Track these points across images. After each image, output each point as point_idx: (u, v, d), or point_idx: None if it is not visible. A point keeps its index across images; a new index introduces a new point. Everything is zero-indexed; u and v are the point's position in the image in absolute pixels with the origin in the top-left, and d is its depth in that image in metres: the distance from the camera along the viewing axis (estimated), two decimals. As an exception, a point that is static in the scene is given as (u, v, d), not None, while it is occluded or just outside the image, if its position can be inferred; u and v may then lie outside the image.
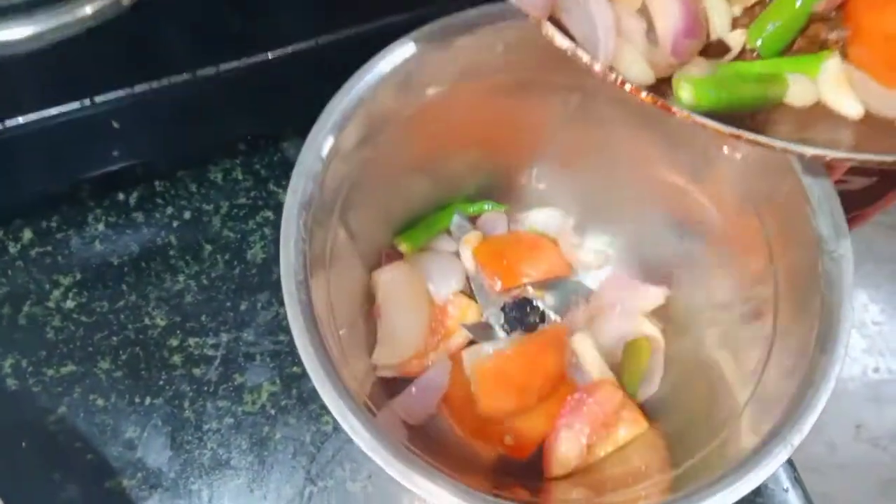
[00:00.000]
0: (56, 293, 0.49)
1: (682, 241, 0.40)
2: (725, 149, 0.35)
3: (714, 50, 0.28)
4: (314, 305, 0.30)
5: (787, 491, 0.44)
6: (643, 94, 0.26)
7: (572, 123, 0.38)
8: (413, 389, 0.39)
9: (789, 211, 0.32)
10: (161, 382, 0.48)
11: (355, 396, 0.30)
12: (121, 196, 0.52)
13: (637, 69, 0.26)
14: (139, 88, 0.40)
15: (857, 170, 0.57)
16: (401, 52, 0.32)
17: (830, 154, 0.24)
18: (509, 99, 0.36)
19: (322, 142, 0.31)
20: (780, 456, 0.28)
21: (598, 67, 0.25)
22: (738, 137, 0.25)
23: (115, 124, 0.43)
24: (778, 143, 0.25)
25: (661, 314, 0.41)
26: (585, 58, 0.25)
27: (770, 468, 0.27)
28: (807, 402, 0.28)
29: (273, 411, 0.48)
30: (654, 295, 0.40)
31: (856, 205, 0.61)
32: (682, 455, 0.32)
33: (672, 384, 0.39)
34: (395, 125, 0.34)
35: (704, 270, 0.39)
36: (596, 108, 0.37)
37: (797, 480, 0.44)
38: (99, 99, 0.40)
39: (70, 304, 0.49)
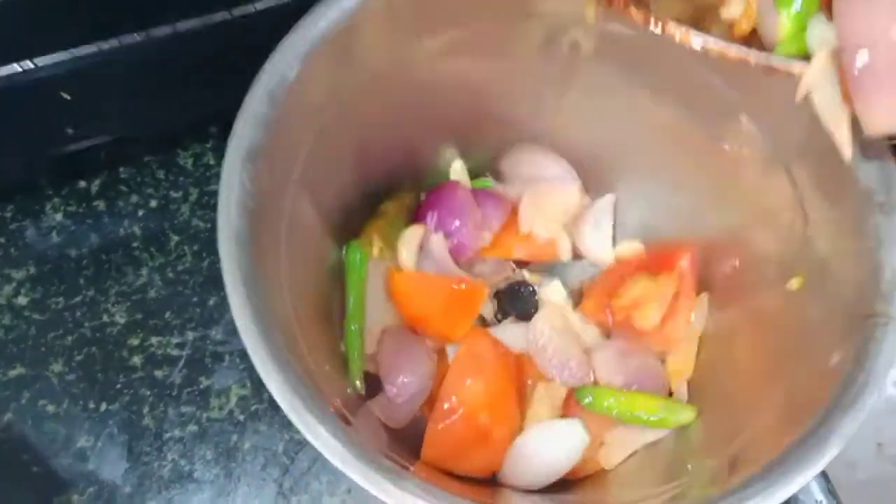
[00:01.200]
0: (7, 288, 0.45)
1: (709, 210, 0.34)
2: (746, 104, 0.30)
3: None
4: (267, 285, 0.25)
5: (819, 503, 0.38)
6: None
7: (566, 90, 0.33)
8: (393, 389, 0.33)
9: (827, 164, 0.27)
10: (119, 386, 0.43)
11: (323, 400, 0.25)
12: (82, 183, 0.47)
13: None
14: (85, 50, 0.35)
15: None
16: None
17: None
18: (481, 61, 0.31)
19: (273, 82, 0.26)
20: (826, 452, 0.22)
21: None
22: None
23: (66, 95, 0.38)
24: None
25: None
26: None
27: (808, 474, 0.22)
28: (858, 388, 0.23)
29: (242, 417, 0.43)
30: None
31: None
32: (718, 445, 0.27)
33: (707, 363, 0.33)
34: (358, 81, 0.29)
35: (734, 239, 0.33)
36: (590, 70, 0.32)
37: (831, 493, 0.38)
38: (41, 62, 0.35)
39: (22, 300, 0.44)
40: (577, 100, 0.36)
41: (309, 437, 0.24)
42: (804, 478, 0.22)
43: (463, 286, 0.34)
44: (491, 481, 0.32)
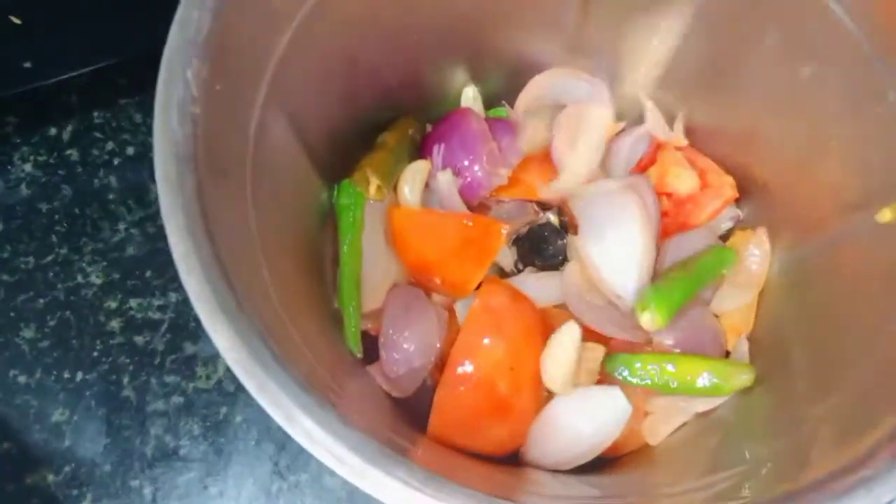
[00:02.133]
0: (-27, 248, 0.40)
1: (771, 129, 0.28)
2: None
3: None
4: (223, 226, 0.19)
5: None
6: None
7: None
8: (394, 355, 0.28)
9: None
10: (96, 353, 0.39)
11: (306, 373, 0.19)
12: (52, 130, 0.43)
13: None
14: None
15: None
16: None
17: None
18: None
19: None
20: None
21: None
22: None
23: (15, 20, 0.33)
24: None
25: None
26: None
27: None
28: None
29: (232, 388, 0.38)
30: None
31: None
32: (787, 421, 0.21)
33: (773, 317, 0.27)
34: None
35: (803, 162, 0.27)
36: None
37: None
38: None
39: (-11, 260, 0.40)
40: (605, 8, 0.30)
41: (279, 420, 0.19)
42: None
43: (475, 224, 0.28)
44: (511, 460, 0.27)
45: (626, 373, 0.27)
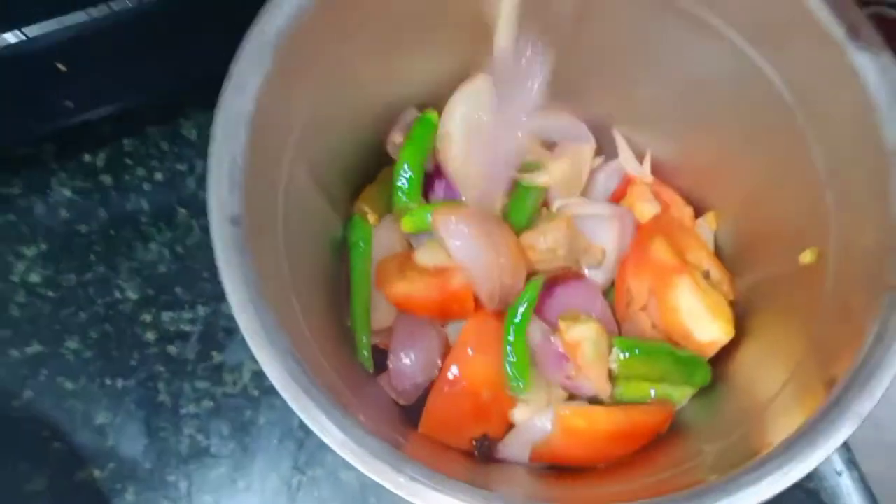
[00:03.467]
0: (20, 266, 0.46)
1: (726, 170, 0.34)
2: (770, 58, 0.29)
3: None
4: (263, 264, 0.25)
5: (840, 474, 0.38)
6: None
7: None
8: (401, 373, 0.34)
9: (849, 124, 0.26)
10: (134, 363, 0.44)
11: (326, 383, 0.25)
12: (87, 157, 0.48)
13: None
14: (75, 19, 0.35)
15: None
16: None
17: None
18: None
19: (257, 53, 0.26)
20: (848, 428, 0.22)
21: None
22: None
23: (61, 67, 0.39)
24: None
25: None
26: None
27: (821, 454, 0.22)
28: (875, 363, 0.22)
29: (256, 393, 0.44)
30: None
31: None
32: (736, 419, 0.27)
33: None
34: (351, 39, 0.29)
35: (751, 203, 0.33)
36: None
37: (852, 463, 0.38)
38: (31, 31, 0.35)
39: (35, 277, 0.46)
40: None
41: (307, 421, 0.25)
42: (817, 459, 0.22)
43: (447, 294, 0.32)
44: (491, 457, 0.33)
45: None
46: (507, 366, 0.31)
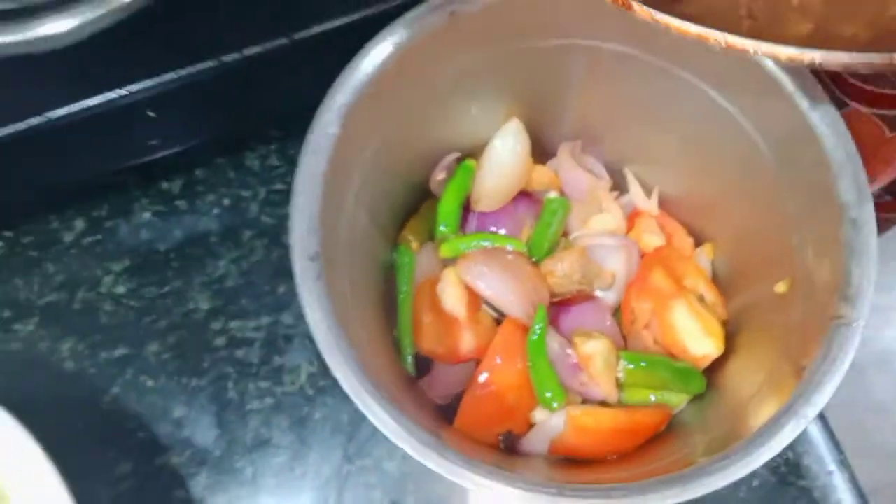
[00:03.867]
0: (107, 279, 0.53)
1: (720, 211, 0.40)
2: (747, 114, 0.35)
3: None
4: (333, 291, 0.32)
5: (831, 473, 0.44)
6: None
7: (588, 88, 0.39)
8: (441, 389, 0.41)
9: (813, 179, 0.32)
10: (206, 364, 0.51)
11: (379, 383, 0.32)
12: (165, 185, 0.55)
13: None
14: (169, 76, 0.42)
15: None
16: (407, 24, 0.34)
17: (808, 56, 0.24)
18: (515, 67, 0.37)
19: (329, 120, 0.33)
20: (790, 432, 0.28)
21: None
22: (705, 38, 0.26)
23: (151, 113, 0.46)
24: (750, 44, 0.25)
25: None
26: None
27: (779, 445, 0.28)
28: (821, 377, 0.28)
29: (311, 392, 0.50)
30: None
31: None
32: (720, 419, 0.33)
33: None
34: (406, 100, 0.36)
35: (740, 240, 0.39)
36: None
37: (843, 464, 0.43)
38: (133, 88, 0.42)
39: (120, 289, 0.53)
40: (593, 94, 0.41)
41: (368, 415, 0.31)
42: (769, 453, 0.28)
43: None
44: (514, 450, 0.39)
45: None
46: (535, 382, 0.38)
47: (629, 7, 0.27)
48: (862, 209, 0.30)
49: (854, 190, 0.31)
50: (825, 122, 0.32)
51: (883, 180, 0.53)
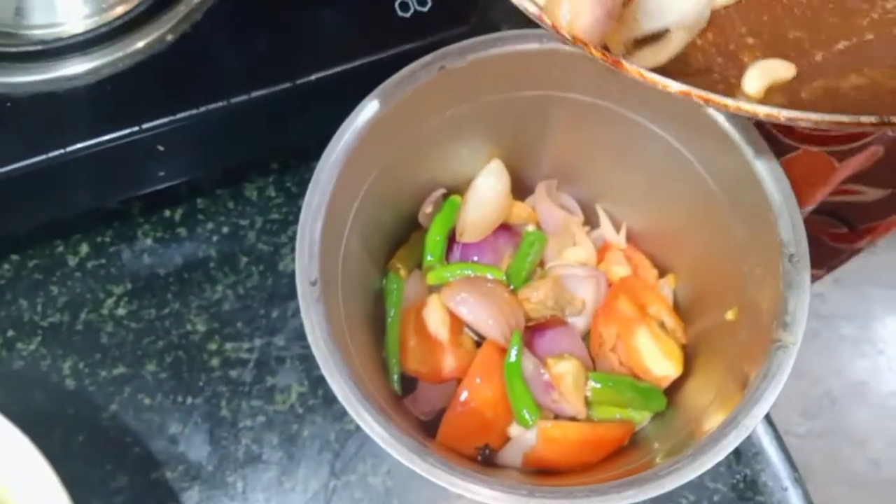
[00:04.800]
0: (109, 301, 0.56)
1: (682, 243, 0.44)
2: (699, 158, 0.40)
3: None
4: (330, 313, 0.36)
5: (786, 490, 0.47)
6: (594, 51, 0.29)
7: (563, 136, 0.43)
8: (421, 387, 0.44)
9: (758, 217, 0.36)
10: (201, 384, 0.54)
11: (370, 397, 0.35)
12: (167, 213, 0.58)
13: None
14: (180, 115, 0.46)
15: (872, 180, 0.60)
16: (403, 79, 0.38)
17: (783, 114, 0.27)
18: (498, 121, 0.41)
19: (333, 161, 0.37)
20: (734, 439, 0.32)
21: (562, 31, 0.29)
22: (687, 94, 0.29)
23: (161, 147, 0.50)
24: (730, 102, 0.28)
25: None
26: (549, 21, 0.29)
27: (724, 451, 0.32)
28: (761, 392, 0.32)
29: (301, 410, 0.53)
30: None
31: (872, 216, 0.63)
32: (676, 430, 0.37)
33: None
34: (400, 143, 0.40)
35: (698, 270, 0.43)
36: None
37: (797, 480, 0.47)
38: (146, 125, 0.46)
39: (121, 311, 0.56)
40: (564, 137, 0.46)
41: (360, 423, 0.35)
42: (716, 457, 0.32)
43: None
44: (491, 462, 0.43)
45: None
46: (511, 401, 0.41)
47: (619, 65, 0.30)
48: (798, 246, 0.35)
49: (790, 229, 0.35)
50: (766, 169, 0.36)
51: (814, 203, 0.58)
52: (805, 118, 0.28)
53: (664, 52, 0.31)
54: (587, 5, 0.28)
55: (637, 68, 0.29)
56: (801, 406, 1.10)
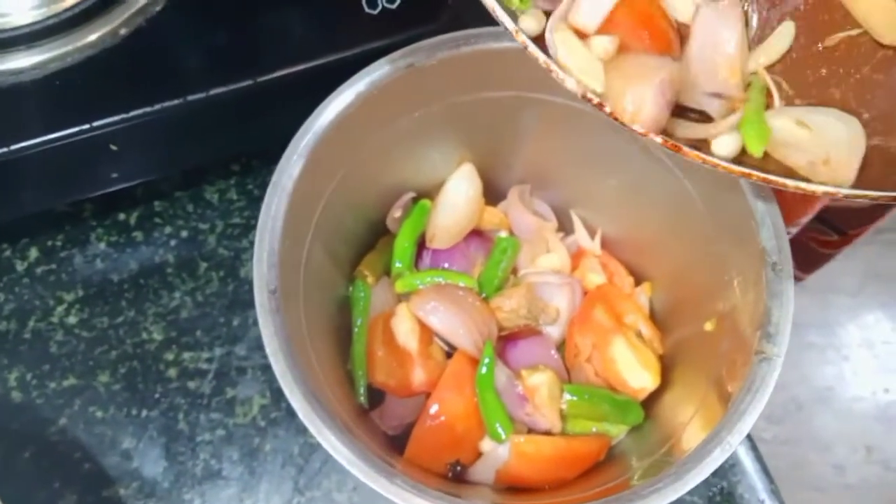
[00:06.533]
0: (59, 309, 0.53)
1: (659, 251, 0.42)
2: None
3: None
4: (290, 323, 0.33)
5: (762, 502, 0.46)
6: (656, 137, 0.29)
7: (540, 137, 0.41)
8: (393, 421, 0.42)
9: (739, 225, 0.35)
10: (157, 395, 0.51)
11: (332, 413, 0.33)
12: (122, 216, 0.56)
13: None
14: (134, 113, 0.43)
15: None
16: (370, 76, 0.36)
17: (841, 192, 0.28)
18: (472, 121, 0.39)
19: (294, 162, 0.34)
20: (718, 457, 0.30)
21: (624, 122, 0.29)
22: (748, 176, 0.29)
23: (114, 147, 0.47)
24: (790, 183, 0.28)
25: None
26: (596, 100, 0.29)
27: (708, 469, 0.30)
28: (745, 406, 0.31)
29: (263, 423, 0.51)
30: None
31: (861, 220, 0.63)
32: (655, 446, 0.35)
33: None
34: (366, 144, 0.38)
35: (677, 280, 0.41)
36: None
37: (774, 493, 0.46)
38: (97, 123, 0.43)
39: (72, 319, 0.53)
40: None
41: (322, 442, 0.33)
42: (699, 477, 0.30)
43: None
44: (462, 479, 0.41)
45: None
46: (483, 414, 0.39)
47: (679, 150, 0.30)
48: (781, 254, 0.34)
49: (773, 237, 0.34)
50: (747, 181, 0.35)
51: (811, 213, 0.57)
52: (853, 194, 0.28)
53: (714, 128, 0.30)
54: (651, 96, 0.29)
55: (696, 152, 0.29)
56: (766, 411, 1.10)
